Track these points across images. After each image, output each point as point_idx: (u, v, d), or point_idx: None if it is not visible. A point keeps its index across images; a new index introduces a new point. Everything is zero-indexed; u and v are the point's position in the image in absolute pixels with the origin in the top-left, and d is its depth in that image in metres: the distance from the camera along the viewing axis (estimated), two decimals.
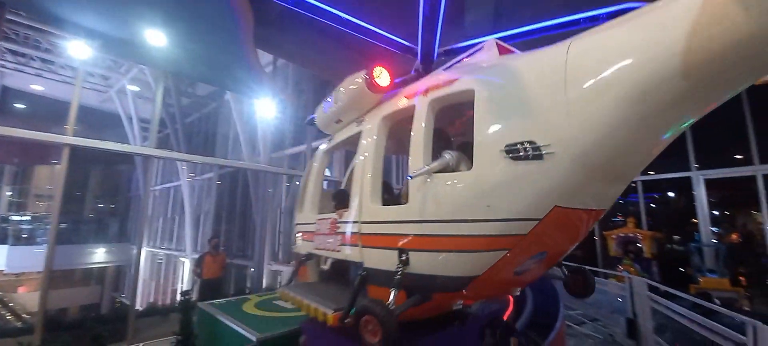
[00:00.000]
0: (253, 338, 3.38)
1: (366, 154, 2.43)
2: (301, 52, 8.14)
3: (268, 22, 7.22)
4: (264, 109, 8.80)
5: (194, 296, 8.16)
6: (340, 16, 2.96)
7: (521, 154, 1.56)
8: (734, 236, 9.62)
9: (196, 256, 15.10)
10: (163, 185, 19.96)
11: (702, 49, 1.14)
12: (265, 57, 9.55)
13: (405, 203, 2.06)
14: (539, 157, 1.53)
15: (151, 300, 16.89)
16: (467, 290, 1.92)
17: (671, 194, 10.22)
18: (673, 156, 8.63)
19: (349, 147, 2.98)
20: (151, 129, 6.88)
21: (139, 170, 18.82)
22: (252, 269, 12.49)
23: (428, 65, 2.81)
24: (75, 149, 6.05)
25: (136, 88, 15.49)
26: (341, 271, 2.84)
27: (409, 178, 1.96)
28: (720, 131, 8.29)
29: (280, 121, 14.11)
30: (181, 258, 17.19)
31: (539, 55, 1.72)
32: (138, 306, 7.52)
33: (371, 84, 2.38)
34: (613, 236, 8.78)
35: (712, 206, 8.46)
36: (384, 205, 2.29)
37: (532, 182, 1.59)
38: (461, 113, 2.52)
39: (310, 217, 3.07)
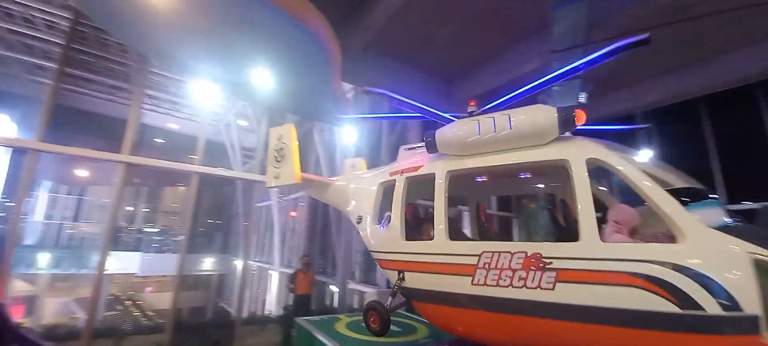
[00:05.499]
0: None
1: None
2: (379, 80, 8.59)
3: (351, 57, 7.80)
4: (344, 133, 9.40)
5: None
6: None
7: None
8: None
9: (283, 269, 16.20)
10: (257, 205, 22.40)
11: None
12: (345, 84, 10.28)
13: None
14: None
15: (247, 309, 18.74)
16: None
17: None
18: None
19: None
20: (258, 157, 7.90)
21: (238, 192, 21.47)
22: (336, 289, 13.07)
23: None
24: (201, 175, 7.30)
25: (244, 123, 18.00)
26: None
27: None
28: None
29: (357, 146, 14.89)
30: (269, 270, 18.88)
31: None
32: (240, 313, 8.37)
33: None
34: None
35: None
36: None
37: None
38: None
39: None
